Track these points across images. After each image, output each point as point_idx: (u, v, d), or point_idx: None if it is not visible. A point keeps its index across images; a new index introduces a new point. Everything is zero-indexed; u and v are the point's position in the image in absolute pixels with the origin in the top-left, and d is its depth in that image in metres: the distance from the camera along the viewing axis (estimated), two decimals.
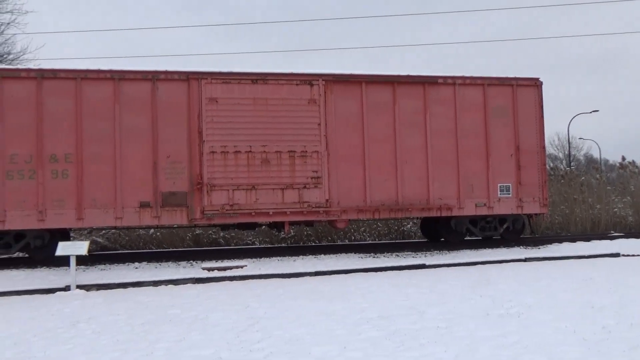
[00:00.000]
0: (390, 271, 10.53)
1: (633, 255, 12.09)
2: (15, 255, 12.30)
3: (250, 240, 15.84)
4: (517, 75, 13.53)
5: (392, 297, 7.70)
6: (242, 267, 10.85)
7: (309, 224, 13.30)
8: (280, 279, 9.85)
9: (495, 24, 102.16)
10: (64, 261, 10.53)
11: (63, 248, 9.48)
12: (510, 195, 13.24)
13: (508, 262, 11.30)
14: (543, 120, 13.59)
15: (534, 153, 13.44)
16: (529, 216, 13.92)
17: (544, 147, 13.63)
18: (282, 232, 13.06)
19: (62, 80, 11.22)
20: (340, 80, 12.41)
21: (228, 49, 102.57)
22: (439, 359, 4.81)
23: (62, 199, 11.02)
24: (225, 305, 7.43)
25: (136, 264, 11.37)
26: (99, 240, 14.78)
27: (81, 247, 9.46)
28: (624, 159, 22.69)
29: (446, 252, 12.65)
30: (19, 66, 18.84)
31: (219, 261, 11.52)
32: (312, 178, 12.11)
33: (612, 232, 17.65)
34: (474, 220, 13.45)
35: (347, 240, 16.44)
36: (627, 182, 20.99)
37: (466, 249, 12.96)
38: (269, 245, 15.39)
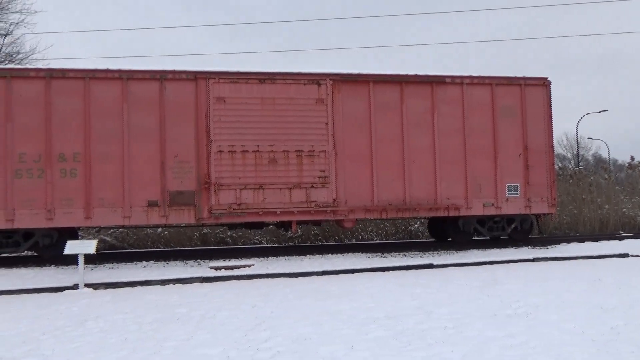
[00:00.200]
0: (398, 271, 10.50)
1: None
2: (24, 253, 12.40)
3: (258, 239, 15.87)
4: (526, 75, 13.49)
5: (399, 297, 7.69)
6: (249, 266, 10.87)
7: (317, 223, 13.29)
8: (288, 278, 9.85)
9: (510, 23, 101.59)
10: (72, 260, 10.63)
11: (71, 247, 9.52)
12: (518, 195, 13.19)
13: (516, 262, 11.24)
14: (551, 119, 13.54)
15: (542, 153, 13.38)
16: (537, 216, 13.86)
17: (552, 147, 13.57)
18: (290, 232, 13.07)
19: (70, 80, 11.28)
20: (348, 79, 12.40)
21: (230, 48, 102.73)
22: (446, 359, 4.80)
23: (71, 198, 11.08)
24: (233, 305, 7.44)
25: (144, 262, 11.42)
26: (107, 239, 14.85)
27: (89, 246, 9.52)
28: (632, 159, 22.56)
29: (454, 252, 12.62)
30: (28, 66, 18.99)
31: (227, 260, 11.55)
32: (319, 178, 12.11)
33: (620, 232, 17.56)
34: (481, 220, 13.41)
35: (354, 240, 16.43)
36: (636, 182, 20.89)
37: (474, 249, 12.92)
38: (276, 245, 15.40)
